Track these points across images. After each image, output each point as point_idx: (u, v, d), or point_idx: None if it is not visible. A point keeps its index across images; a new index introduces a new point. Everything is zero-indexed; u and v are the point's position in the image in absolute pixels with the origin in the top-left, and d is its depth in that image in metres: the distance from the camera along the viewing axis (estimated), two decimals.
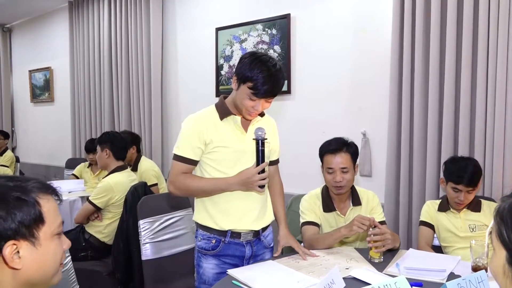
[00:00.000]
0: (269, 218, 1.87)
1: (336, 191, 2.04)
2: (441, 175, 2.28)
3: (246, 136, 1.75)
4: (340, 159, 2.01)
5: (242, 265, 1.78)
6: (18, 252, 0.89)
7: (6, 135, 4.90)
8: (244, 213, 1.76)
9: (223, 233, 1.75)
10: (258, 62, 1.61)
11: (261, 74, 1.59)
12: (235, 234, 1.76)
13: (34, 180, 0.95)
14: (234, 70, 1.74)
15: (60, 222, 0.96)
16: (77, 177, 4.09)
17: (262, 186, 1.68)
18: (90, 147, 4.04)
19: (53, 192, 0.97)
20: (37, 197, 0.92)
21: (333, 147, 2.04)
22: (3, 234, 0.87)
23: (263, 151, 1.67)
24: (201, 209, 1.80)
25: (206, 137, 1.71)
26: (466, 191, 2.08)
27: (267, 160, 1.71)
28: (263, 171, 1.67)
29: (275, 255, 1.85)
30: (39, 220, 0.91)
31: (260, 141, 1.66)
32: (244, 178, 1.66)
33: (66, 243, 1.00)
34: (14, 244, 0.88)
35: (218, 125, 1.73)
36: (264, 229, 1.84)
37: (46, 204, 0.93)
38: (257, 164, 1.66)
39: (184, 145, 1.73)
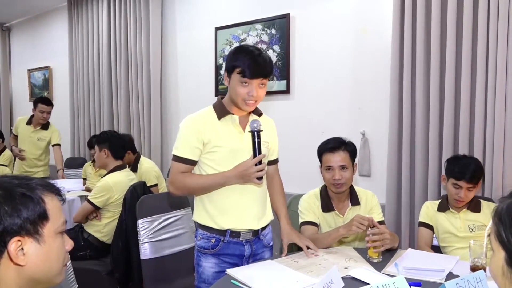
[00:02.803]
0: (268, 217, 1.87)
1: (335, 189, 2.05)
2: (443, 173, 2.29)
3: (244, 135, 1.76)
4: (338, 157, 2.03)
5: (242, 264, 1.79)
6: (22, 248, 0.90)
7: (0, 135, 4.81)
8: (243, 212, 1.76)
9: (223, 232, 1.76)
10: (240, 50, 1.70)
11: (246, 57, 1.65)
12: (235, 233, 1.76)
13: (38, 179, 0.97)
14: None
15: (63, 221, 0.98)
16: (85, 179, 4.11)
17: (260, 178, 1.68)
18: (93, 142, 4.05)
19: (56, 191, 0.98)
20: (42, 195, 0.93)
21: (332, 145, 2.06)
22: (8, 230, 0.88)
23: (259, 142, 1.68)
24: (200, 208, 1.80)
25: (204, 137, 1.71)
26: (466, 188, 2.09)
27: (264, 152, 1.71)
28: (260, 162, 1.67)
29: (283, 255, 1.84)
30: (43, 217, 0.92)
31: (256, 132, 1.67)
32: (241, 170, 1.67)
33: (69, 243, 1.01)
34: (19, 240, 0.89)
35: (216, 124, 1.74)
36: (263, 228, 1.84)
37: (50, 202, 0.94)
38: (254, 155, 1.67)
39: (182, 146, 1.74)
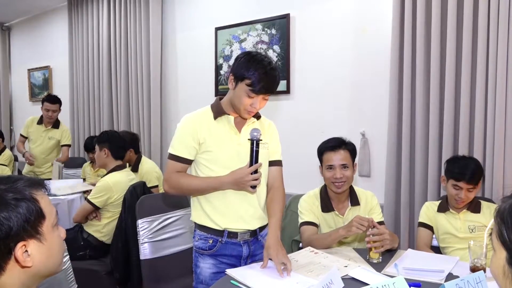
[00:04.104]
0: (266, 218, 1.86)
1: (335, 188, 2.05)
2: (442, 174, 2.29)
3: (239, 136, 1.76)
4: (340, 156, 2.04)
5: (240, 265, 1.78)
6: (26, 251, 0.91)
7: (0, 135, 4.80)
8: (240, 211, 1.76)
9: (220, 232, 1.76)
10: (254, 61, 1.65)
11: (258, 71, 1.63)
12: (232, 234, 1.76)
13: (22, 178, 0.96)
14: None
15: (55, 212, 0.99)
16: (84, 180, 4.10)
17: (254, 187, 1.69)
18: (89, 145, 4.05)
19: (42, 186, 0.98)
20: (33, 194, 0.93)
21: (333, 144, 2.08)
22: (11, 235, 0.89)
23: (257, 152, 1.68)
24: (197, 208, 1.80)
25: (199, 136, 1.72)
26: (466, 189, 2.09)
27: (261, 161, 1.71)
28: (256, 171, 1.67)
29: (262, 267, 1.69)
30: (40, 216, 0.93)
31: (255, 141, 1.67)
32: (237, 177, 1.67)
33: (63, 231, 1.02)
34: (24, 245, 0.90)
35: (212, 124, 1.74)
36: (262, 228, 1.84)
37: (42, 200, 0.95)
38: (251, 164, 1.67)
39: (178, 145, 1.75)
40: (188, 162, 1.76)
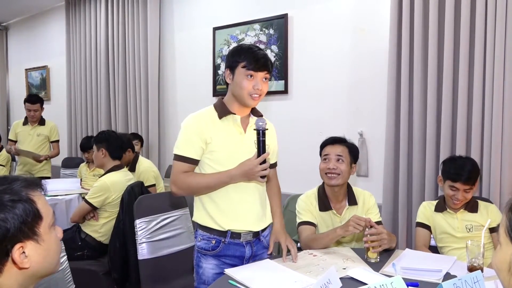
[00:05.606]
0: (268, 219, 1.87)
1: (328, 180, 2.04)
2: (439, 173, 2.29)
3: (245, 136, 1.75)
4: (337, 149, 2.06)
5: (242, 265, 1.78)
6: (24, 252, 0.91)
7: None
8: (243, 213, 1.76)
9: (223, 233, 1.75)
10: (241, 47, 1.75)
11: (248, 52, 1.70)
12: (235, 235, 1.76)
13: (19, 179, 0.96)
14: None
15: (52, 213, 0.98)
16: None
17: (263, 177, 1.68)
18: (85, 145, 4.05)
19: (39, 186, 0.98)
20: (29, 195, 0.93)
21: (334, 138, 2.12)
22: (8, 237, 0.88)
23: (264, 141, 1.67)
24: (200, 208, 1.79)
25: (206, 135, 1.70)
26: (463, 190, 2.09)
27: (268, 150, 1.71)
28: (264, 161, 1.66)
29: (269, 252, 1.84)
30: (37, 217, 0.93)
31: (261, 131, 1.66)
32: (246, 169, 1.66)
33: (60, 231, 1.02)
34: (21, 246, 0.90)
35: (217, 124, 1.73)
36: (263, 229, 1.84)
37: (39, 200, 0.94)
38: (258, 154, 1.66)
39: (184, 145, 1.72)
40: (195, 162, 1.73)
